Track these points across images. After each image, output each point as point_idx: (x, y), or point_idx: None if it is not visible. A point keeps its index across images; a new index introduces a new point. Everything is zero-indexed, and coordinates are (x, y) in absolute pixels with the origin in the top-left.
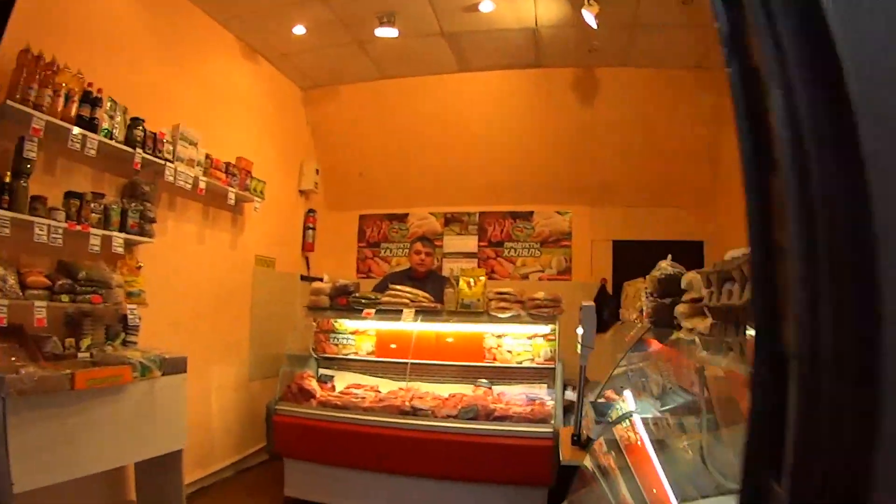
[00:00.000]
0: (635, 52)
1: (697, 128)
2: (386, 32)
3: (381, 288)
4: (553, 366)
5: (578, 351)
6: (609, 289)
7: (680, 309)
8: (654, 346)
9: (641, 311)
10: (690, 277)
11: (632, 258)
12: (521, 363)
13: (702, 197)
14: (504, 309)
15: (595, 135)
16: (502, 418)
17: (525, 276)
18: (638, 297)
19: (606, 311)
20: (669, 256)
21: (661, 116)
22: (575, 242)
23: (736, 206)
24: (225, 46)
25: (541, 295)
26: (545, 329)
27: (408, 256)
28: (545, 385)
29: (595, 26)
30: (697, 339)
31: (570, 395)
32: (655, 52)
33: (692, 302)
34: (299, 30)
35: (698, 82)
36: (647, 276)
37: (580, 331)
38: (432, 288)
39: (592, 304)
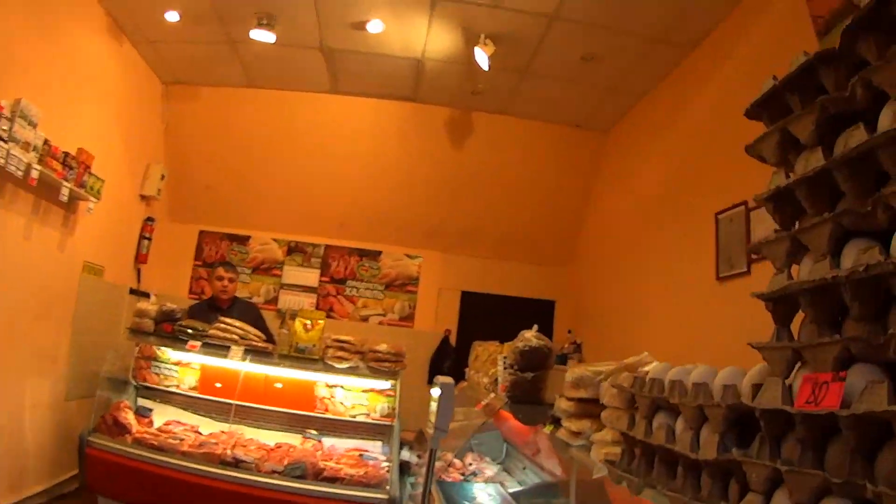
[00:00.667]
0: (519, 102)
1: (567, 186)
2: (262, 36)
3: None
4: (390, 423)
5: (429, 431)
6: (452, 340)
7: (563, 406)
8: (513, 423)
9: (496, 380)
10: (603, 386)
11: (480, 311)
12: (354, 417)
13: (560, 255)
14: (342, 359)
15: (461, 180)
16: (332, 479)
17: (365, 319)
18: (492, 362)
19: (448, 363)
20: (535, 327)
21: (532, 170)
22: (422, 289)
23: (593, 267)
24: (90, 18)
25: (383, 347)
26: (385, 384)
27: (209, 283)
28: (379, 442)
29: (486, 68)
30: (606, 469)
31: (406, 454)
32: (540, 105)
33: (579, 401)
34: (172, 16)
35: (576, 141)
36: (507, 345)
37: (433, 407)
38: (239, 317)
39: (451, 380)
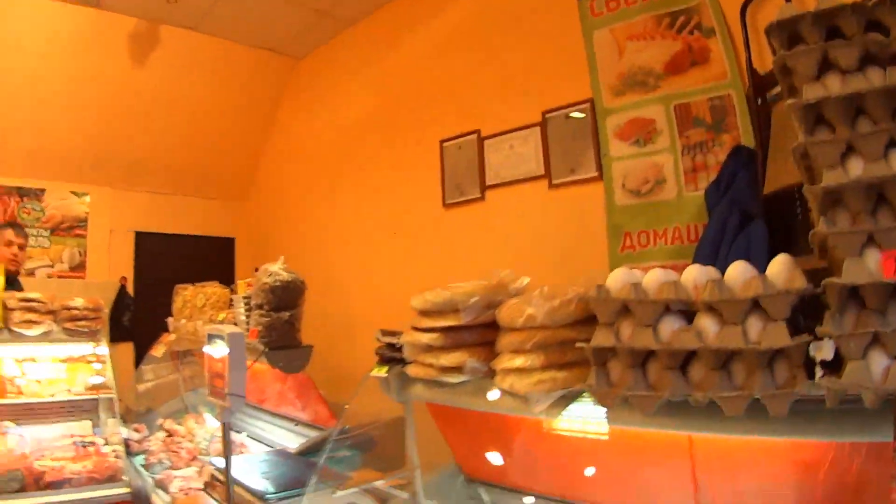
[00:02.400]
0: (216, 17)
1: (250, 116)
2: None
3: None
4: (99, 396)
5: (216, 400)
6: (130, 289)
7: (418, 339)
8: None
9: (238, 325)
10: (511, 305)
11: (157, 254)
12: (54, 395)
13: (239, 190)
14: (32, 323)
15: (138, 104)
16: (58, 484)
17: (31, 273)
18: (216, 306)
19: (128, 316)
20: (282, 258)
21: (216, 96)
22: (91, 231)
23: (271, 202)
24: None
25: (79, 303)
26: (85, 348)
27: None
28: (88, 422)
29: None
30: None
31: (124, 432)
32: (237, 23)
33: (446, 331)
34: None
35: (266, 67)
36: (241, 282)
37: (228, 374)
38: None
39: (239, 331)
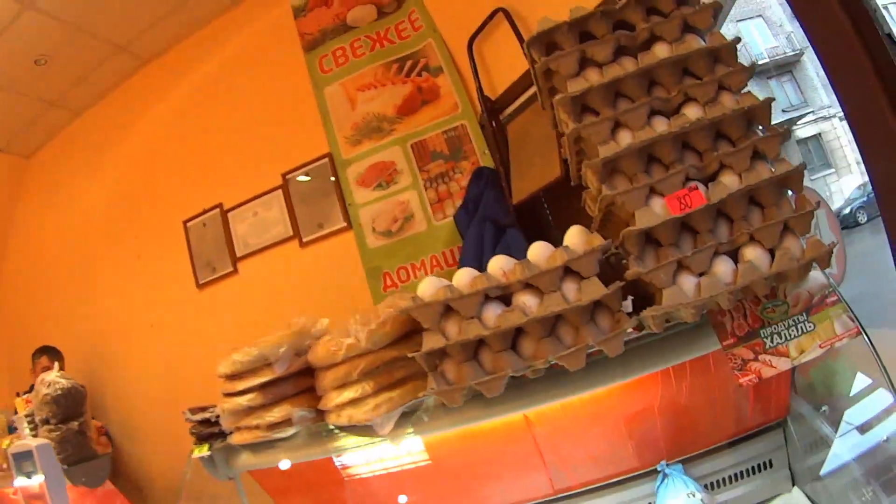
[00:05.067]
0: None
1: None
2: None
3: None
4: None
5: None
6: None
7: (236, 404)
8: None
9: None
10: (321, 345)
11: None
12: None
13: None
14: None
15: None
16: None
17: None
18: None
19: None
20: (57, 365)
21: None
22: None
23: (17, 310)
24: None
25: None
26: None
27: None
28: None
29: None
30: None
31: None
32: None
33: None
34: None
35: None
36: (19, 400)
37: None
38: None
39: (47, 441)
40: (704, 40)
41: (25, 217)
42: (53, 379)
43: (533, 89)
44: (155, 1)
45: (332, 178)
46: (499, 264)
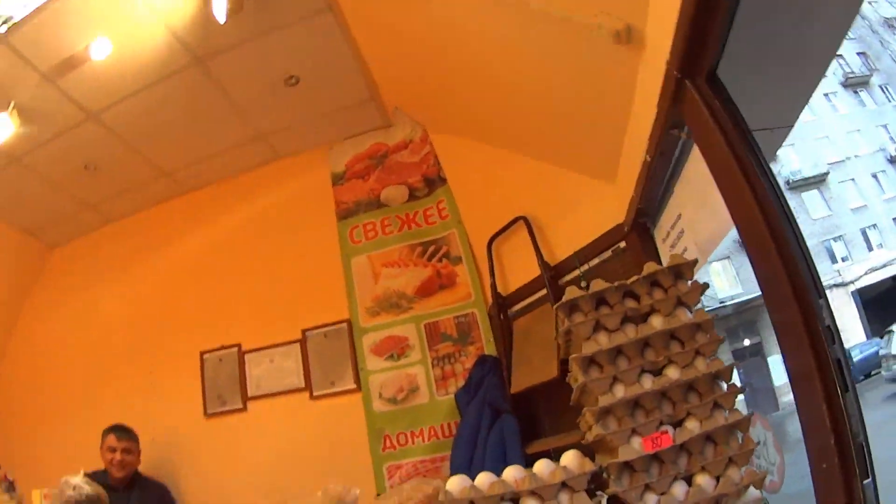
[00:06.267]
0: None
1: None
2: None
3: None
4: None
5: None
6: None
7: None
8: None
9: None
10: None
11: None
12: None
13: None
14: None
15: None
16: None
17: None
18: None
19: None
20: (81, 471)
21: None
22: None
23: (16, 404)
24: None
25: None
26: None
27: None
28: None
29: None
30: None
31: None
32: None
33: None
34: None
35: (18, 249)
36: (47, 493)
37: None
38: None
39: None
40: (691, 312)
41: (39, 305)
42: (78, 483)
43: (540, 294)
44: (206, 141)
45: (349, 344)
46: (511, 474)
